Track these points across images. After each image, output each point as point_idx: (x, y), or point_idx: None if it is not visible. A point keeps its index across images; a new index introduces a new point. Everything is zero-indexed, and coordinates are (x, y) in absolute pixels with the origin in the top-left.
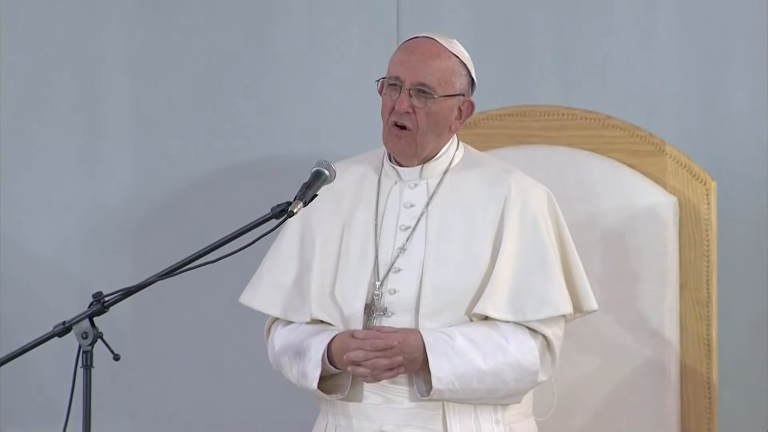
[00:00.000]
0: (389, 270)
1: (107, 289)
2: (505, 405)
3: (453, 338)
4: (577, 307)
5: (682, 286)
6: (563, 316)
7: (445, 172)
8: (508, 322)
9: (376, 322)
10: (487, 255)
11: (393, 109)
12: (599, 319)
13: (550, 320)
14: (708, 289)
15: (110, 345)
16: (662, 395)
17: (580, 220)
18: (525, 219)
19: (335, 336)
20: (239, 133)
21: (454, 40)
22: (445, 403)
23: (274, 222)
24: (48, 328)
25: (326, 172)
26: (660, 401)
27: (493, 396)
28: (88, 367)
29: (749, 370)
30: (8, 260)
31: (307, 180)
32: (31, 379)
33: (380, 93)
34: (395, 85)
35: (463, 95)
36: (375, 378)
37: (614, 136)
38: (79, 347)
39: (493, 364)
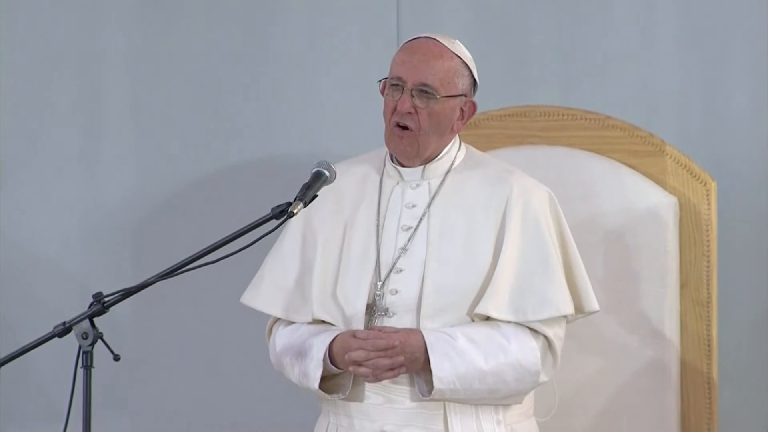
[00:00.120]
0: (391, 270)
1: (107, 289)
2: (506, 405)
3: (454, 338)
4: (579, 308)
5: (683, 286)
6: (564, 316)
7: (447, 172)
8: (509, 322)
9: (378, 323)
10: (488, 255)
11: (395, 109)
12: (599, 319)
13: (551, 321)
14: (708, 289)
15: (110, 345)
16: (662, 395)
17: (580, 220)
18: (527, 219)
19: (337, 336)
20: (239, 133)
21: (457, 41)
22: (447, 403)
23: (274, 222)
24: (48, 329)
25: (326, 173)
26: (660, 401)
27: (494, 396)
28: (88, 367)
29: (749, 370)
30: (8, 260)
31: (307, 180)
32: (32, 379)
33: (382, 93)
34: (397, 85)
35: (465, 96)
36: (376, 378)
37: (614, 137)
38: (79, 347)
39: (494, 365)
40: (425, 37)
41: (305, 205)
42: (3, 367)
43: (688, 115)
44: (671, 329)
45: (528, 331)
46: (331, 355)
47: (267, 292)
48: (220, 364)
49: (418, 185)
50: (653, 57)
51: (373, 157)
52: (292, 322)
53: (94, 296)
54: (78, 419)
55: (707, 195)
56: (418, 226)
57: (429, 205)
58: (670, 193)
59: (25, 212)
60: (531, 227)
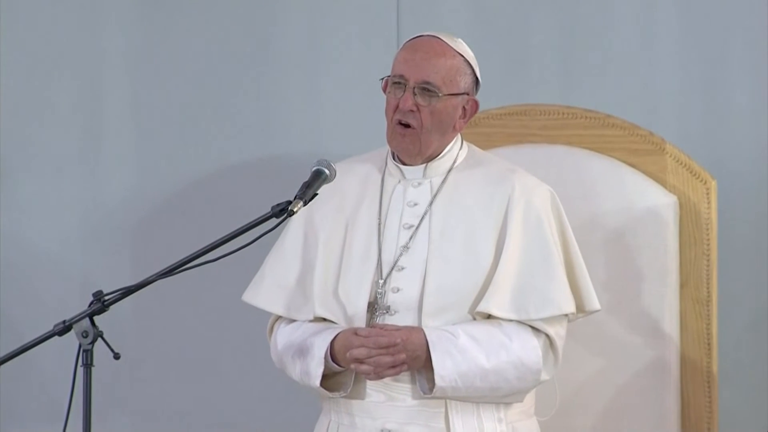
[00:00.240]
0: (392, 268)
1: (107, 288)
2: (507, 404)
3: (456, 336)
4: (580, 307)
5: (683, 285)
6: (566, 315)
7: (449, 171)
8: (511, 320)
9: (379, 321)
10: (490, 254)
11: (397, 107)
12: (599, 318)
13: (552, 319)
14: (708, 288)
15: (110, 344)
16: (662, 394)
17: (580, 219)
18: (528, 218)
19: (338, 334)
20: (239, 133)
21: (459, 39)
22: (448, 401)
23: (274, 221)
24: (48, 327)
25: (326, 171)
26: (660, 400)
27: (496, 394)
28: (88, 365)
29: (749, 370)
30: (9, 260)
31: (307, 179)
32: (32, 377)
33: (384, 91)
34: (399, 83)
35: (468, 94)
36: (378, 375)
37: (614, 135)
38: (80, 346)
39: (495, 363)
40: (428, 35)
41: (305, 203)
42: (3, 366)
43: (688, 115)
44: (671, 328)
45: (529, 329)
46: (332, 353)
47: (268, 290)
48: (220, 363)
49: (419, 183)
50: (653, 57)
51: (374, 155)
52: (294, 321)
53: (94, 295)
54: (78, 418)
55: (707, 194)
56: (419, 224)
57: (431, 203)
58: (670, 192)
59: (25, 212)
60: (533, 226)
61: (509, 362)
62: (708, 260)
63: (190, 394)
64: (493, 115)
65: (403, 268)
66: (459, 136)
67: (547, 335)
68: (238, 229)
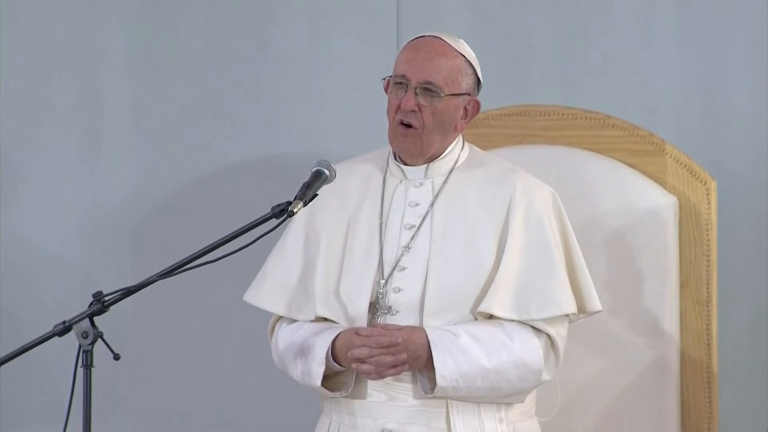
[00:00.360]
0: (394, 268)
1: (107, 288)
2: (508, 404)
3: (457, 336)
4: (581, 308)
5: (683, 285)
6: (567, 315)
7: (451, 171)
8: (512, 320)
9: (381, 321)
10: (491, 254)
11: (399, 107)
12: (600, 319)
13: (554, 319)
14: (708, 288)
15: (110, 344)
16: (662, 395)
17: (580, 220)
18: (530, 219)
19: (339, 333)
20: (239, 133)
21: (461, 40)
22: (449, 401)
23: (274, 221)
24: (48, 328)
25: (326, 172)
26: (660, 400)
27: (497, 394)
28: (88, 366)
29: (749, 370)
30: (9, 260)
31: (307, 180)
32: (32, 378)
33: (386, 91)
34: (401, 83)
35: (469, 94)
36: (379, 375)
37: (614, 136)
38: (80, 347)
39: (497, 363)
40: (430, 35)
41: (305, 204)
42: (3, 366)
43: (688, 115)
44: (671, 328)
45: (531, 329)
46: (333, 353)
47: (270, 290)
48: (220, 364)
49: (421, 184)
50: (653, 57)
51: (376, 155)
52: (295, 321)
53: (94, 295)
54: (78, 418)
55: (707, 194)
56: (421, 224)
57: (432, 203)
58: (670, 192)
59: (25, 212)
60: (534, 226)
61: (510, 362)
62: (708, 260)
63: (190, 395)
64: (493, 115)
65: (404, 268)
66: (460, 136)
67: (548, 335)
68: (238, 230)
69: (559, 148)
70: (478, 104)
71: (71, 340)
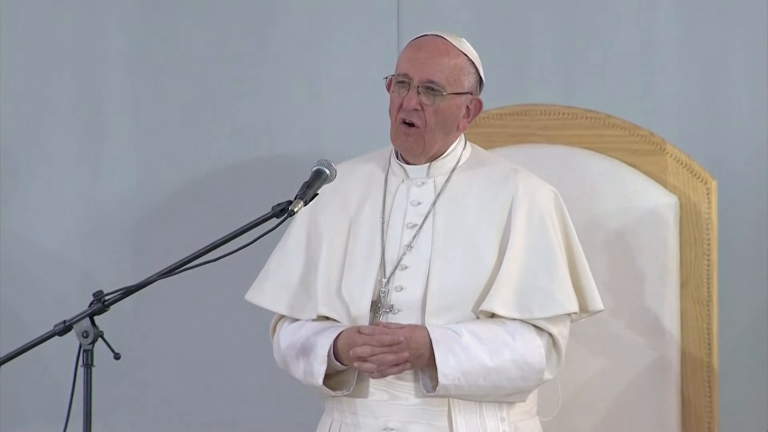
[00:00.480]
0: (396, 267)
1: (108, 288)
2: (510, 403)
3: (459, 334)
4: (583, 308)
5: (683, 285)
6: (569, 315)
7: (453, 170)
8: (514, 320)
9: (383, 320)
10: (493, 253)
11: (401, 106)
12: (600, 318)
13: (556, 319)
14: (708, 288)
15: (111, 344)
16: (663, 394)
17: (580, 219)
18: (532, 218)
19: (341, 332)
20: (239, 133)
21: (463, 39)
22: (451, 400)
23: (274, 221)
24: (49, 327)
25: (327, 171)
26: (661, 400)
27: (499, 393)
28: (88, 365)
29: (749, 370)
30: (9, 260)
31: (307, 179)
32: (32, 378)
33: (388, 90)
34: (404, 82)
35: (471, 94)
36: (381, 374)
37: (615, 136)
38: (80, 346)
39: (499, 361)
40: (432, 34)
41: (306, 203)
42: (3, 366)
43: (688, 115)
44: (672, 328)
45: (533, 328)
46: (335, 352)
47: (272, 289)
48: (221, 363)
49: (423, 183)
50: (653, 57)
51: (378, 155)
52: (296, 320)
53: (94, 295)
54: (78, 418)
55: (708, 194)
56: (423, 223)
57: (434, 202)
58: (671, 192)
59: (25, 212)
60: (536, 226)
61: (512, 361)
62: (708, 260)
63: (190, 395)
64: (494, 115)
65: (406, 267)
66: (462, 135)
67: (550, 334)
68: (238, 229)
69: (559, 148)
70: (480, 103)
71: (72, 339)
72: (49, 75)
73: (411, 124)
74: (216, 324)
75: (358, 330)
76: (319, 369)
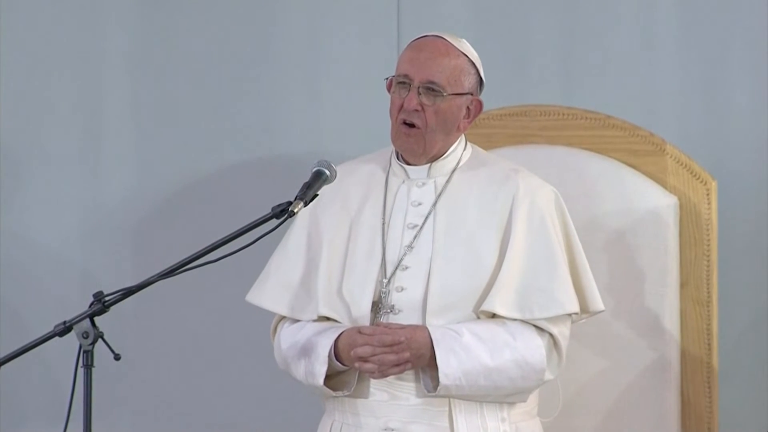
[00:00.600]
0: (396, 267)
1: (108, 288)
2: (511, 403)
3: (460, 334)
4: (584, 308)
5: (683, 285)
6: (570, 315)
7: (453, 171)
8: (515, 320)
9: (384, 320)
10: (494, 253)
11: (402, 107)
12: (600, 319)
13: (557, 319)
14: (708, 288)
15: (111, 344)
16: (663, 394)
17: (580, 220)
18: (532, 218)
19: (342, 332)
20: (239, 133)
21: (463, 40)
22: (452, 400)
23: (274, 222)
24: (49, 328)
25: (327, 172)
26: (661, 400)
27: (499, 393)
28: (88, 366)
29: (749, 370)
30: (9, 260)
31: (307, 180)
32: (32, 378)
33: (389, 91)
34: (404, 83)
35: (472, 94)
36: (382, 374)
37: (614, 136)
38: (80, 347)
39: (500, 361)
40: (432, 35)
41: (306, 204)
42: (4, 366)
43: (688, 115)
44: (672, 328)
45: (533, 328)
46: (336, 352)
47: (272, 290)
48: (221, 364)
49: (424, 183)
50: (653, 57)
51: (378, 155)
52: (297, 321)
53: (94, 295)
54: (78, 418)
55: (707, 194)
56: (423, 224)
57: (435, 203)
58: (671, 192)
59: (25, 212)
60: (537, 226)
61: (513, 361)
62: (708, 260)
63: (190, 395)
64: (494, 115)
65: (407, 268)
66: (463, 136)
67: (551, 334)
68: (238, 230)
69: (559, 148)
70: (480, 104)
71: (72, 340)
72: (49, 75)
73: (411, 125)
74: (216, 324)
75: (359, 330)
76: (320, 369)
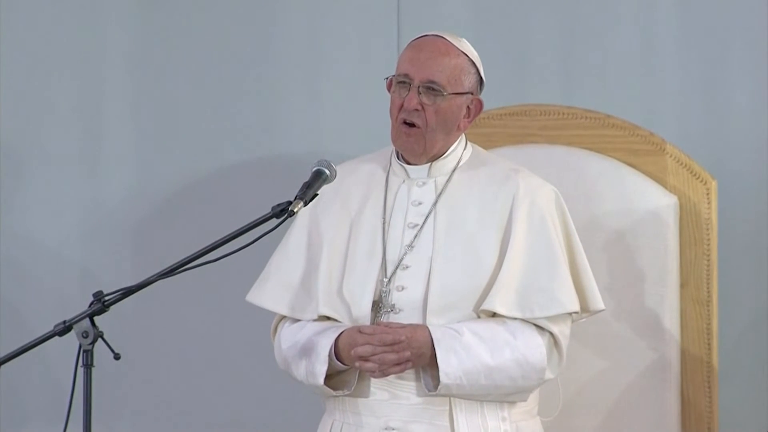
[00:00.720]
0: (397, 267)
1: (108, 288)
2: (511, 403)
3: (461, 333)
4: (584, 307)
5: (683, 285)
6: (570, 314)
7: (453, 170)
8: (515, 319)
9: (384, 319)
10: (494, 253)
11: (402, 106)
12: (600, 318)
13: (557, 318)
14: (708, 288)
15: (111, 344)
16: (663, 394)
17: (580, 220)
18: (533, 217)
19: (342, 332)
20: (239, 133)
21: (463, 39)
22: (452, 399)
23: (274, 221)
24: (49, 327)
25: (327, 172)
26: (661, 400)
27: (500, 392)
28: (88, 366)
29: (749, 370)
30: (9, 260)
31: (307, 179)
32: (32, 378)
33: (389, 90)
34: (404, 82)
35: (472, 93)
36: (383, 373)
37: (614, 136)
38: (80, 346)
39: (500, 360)
40: (432, 34)
41: (306, 203)
42: (3, 366)
43: (688, 115)
44: (672, 328)
45: (534, 327)
46: (336, 351)
47: (273, 290)
48: (221, 363)
49: (424, 183)
50: (653, 57)
51: (379, 155)
52: (298, 320)
53: (94, 295)
54: (78, 418)
55: (707, 194)
56: (424, 223)
57: (435, 202)
58: (671, 192)
59: (25, 212)
60: (537, 225)
61: (513, 360)
62: (708, 260)
63: (190, 395)
64: (494, 115)
65: (407, 267)
66: (463, 136)
67: (551, 334)
68: (238, 230)
69: (559, 148)
70: (480, 103)
71: (72, 339)
72: (49, 75)
73: (412, 125)
74: (216, 324)
75: (359, 330)
76: (321, 369)
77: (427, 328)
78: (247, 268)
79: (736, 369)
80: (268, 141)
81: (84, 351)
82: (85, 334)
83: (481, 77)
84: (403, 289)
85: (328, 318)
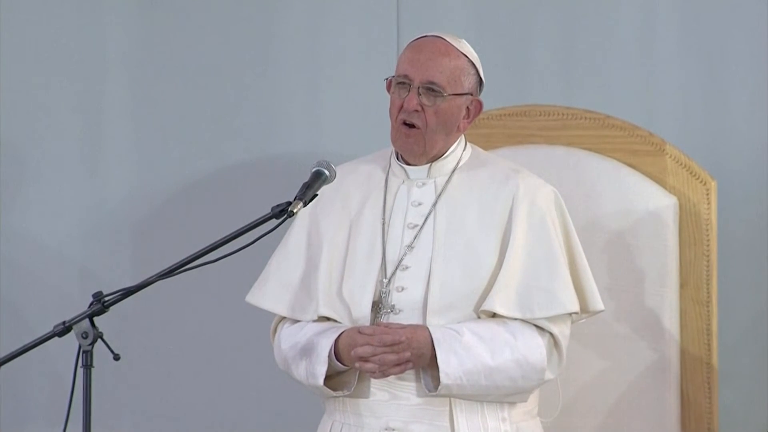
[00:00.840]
0: (397, 267)
1: (107, 288)
2: (511, 403)
3: (461, 334)
4: (584, 308)
5: (683, 285)
6: (570, 315)
7: (453, 171)
8: (515, 319)
9: (384, 320)
10: (494, 253)
11: (402, 107)
12: (600, 319)
13: (557, 318)
14: (708, 288)
15: (110, 345)
16: (663, 394)
17: (580, 220)
18: (533, 218)
19: (342, 332)
20: (239, 133)
21: (463, 40)
22: (452, 400)
23: (274, 222)
24: (49, 327)
25: (326, 172)
26: (661, 400)
27: (500, 392)
28: (88, 366)
29: (749, 370)
30: (10, 259)
31: (307, 180)
32: (32, 378)
33: (388, 91)
34: (404, 83)
35: (472, 94)
36: (383, 374)
37: (614, 136)
38: (79, 347)
39: (500, 361)
40: (432, 35)
41: (305, 204)
42: (3, 367)
43: (688, 115)
44: (671, 329)
45: (534, 328)
46: (336, 352)
47: (273, 291)
48: (221, 364)
49: (424, 183)
50: (653, 57)
51: (378, 156)
52: (297, 321)
53: (94, 296)
54: (78, 419)
55: (707, 194)
56: (424, 223)
57: (435, 203)
58: (670, 192)
59: (25, 212)
60: (537, 226)
61: (514, 360)
62: (708, 260)
63: (190, 395)
64: (493, 115)
65: (407, 268)
66: (462, 136)
67: (551, 334)
68: (238, 230)
69: (559, 148)
70: (480, 104)
71: (72, 340)
72: (49, 75)
73: (411, 125)
74: (216, 325)
75: (359, 330)
76: (320, 370)
77: (427, 328)
78: (247, 268)
79: (736, 369)
80: (268, 141)
81: (84, 352)
82: (84, 335)
83: (480, 78)
84: (402, 289)
85: (328, 319)
